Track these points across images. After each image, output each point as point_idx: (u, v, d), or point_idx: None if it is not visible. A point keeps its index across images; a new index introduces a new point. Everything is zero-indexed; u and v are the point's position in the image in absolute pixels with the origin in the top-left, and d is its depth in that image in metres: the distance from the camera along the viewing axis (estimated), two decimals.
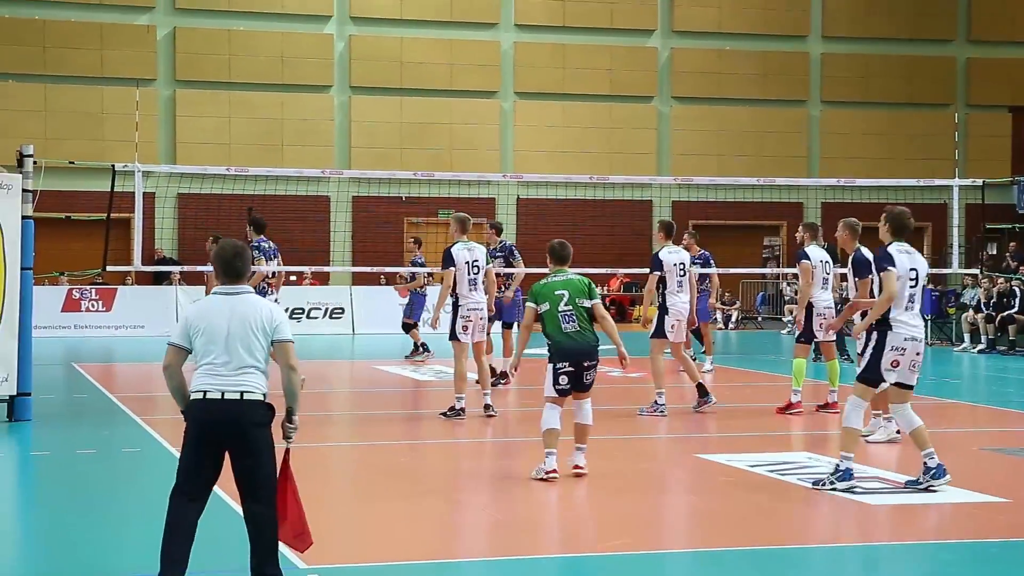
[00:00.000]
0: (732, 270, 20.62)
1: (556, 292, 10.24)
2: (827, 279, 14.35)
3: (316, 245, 29.17)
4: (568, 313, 10.17)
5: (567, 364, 10.15)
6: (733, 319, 31.78)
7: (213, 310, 6.61)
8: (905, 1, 35.21)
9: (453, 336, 13.52)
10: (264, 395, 6.55)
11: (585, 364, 10.18)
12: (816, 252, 14.39)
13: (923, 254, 36.55)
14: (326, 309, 27.51)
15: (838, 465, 9.68)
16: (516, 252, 16.72)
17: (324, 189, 31.07)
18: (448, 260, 13.57)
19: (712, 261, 18.95)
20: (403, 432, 13.51)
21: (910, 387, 9.77)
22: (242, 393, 6.48)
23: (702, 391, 14.19)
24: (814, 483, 9.77)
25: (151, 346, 15.11)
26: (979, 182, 19.17)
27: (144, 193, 16.39)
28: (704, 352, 18.78)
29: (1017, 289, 24.70)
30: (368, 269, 21.84)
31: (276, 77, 32.04)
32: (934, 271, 27.94)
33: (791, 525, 9.00)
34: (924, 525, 8.95)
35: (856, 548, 8.33)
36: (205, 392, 6.50)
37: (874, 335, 9.66)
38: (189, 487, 6.58)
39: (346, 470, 11.39)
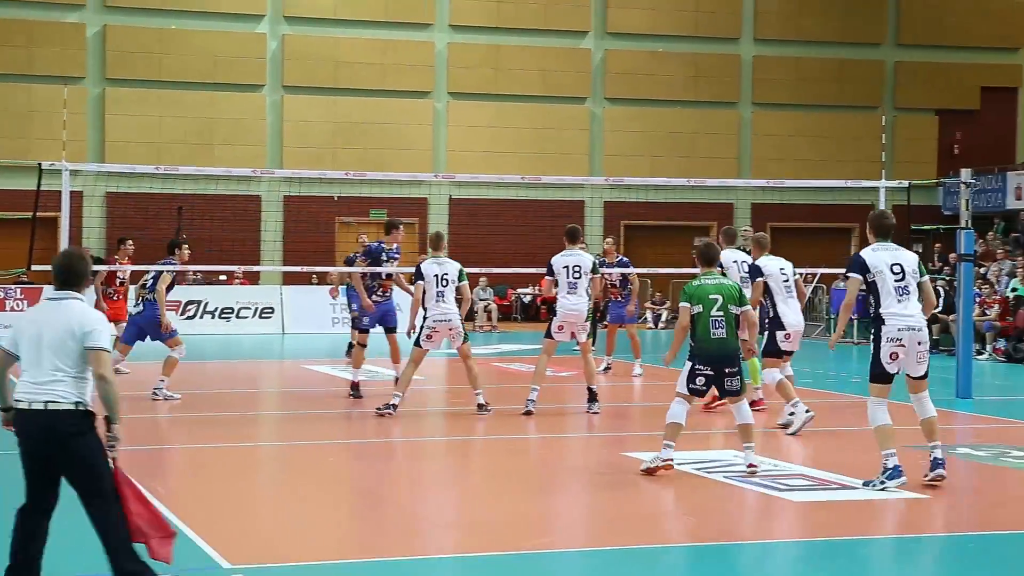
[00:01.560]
0: (662, 270, 20.71)
1: (710, 296, 10.39)
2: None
3: (246, 245, 28.98)
4: (719, 319, 10.35)
5: (708, 368, 10.34)
6: (663, 319, 31.99)
7: (35, 316, 6.51)
8: (835, 5, 35.60)
9: (417, 343, 14.00)
10: (76, 403, 6.34)
11: (726, 370, 10.37)
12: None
13: (850, 254, 36.68)
14: (256, 309, 27.36)
15: (885, 464, 9.77)
16: (388, 254, 16.27)
17: (255, 188, 30.89)
18: (418, 274, 14.15)
19: (629, 265, 19.03)
20: (332, 432, 13.48)
21: (920, 377, 9.97)
22: (47, 403, 6.31)
23: (592, 395, 14.24)
24: (865, 483, 9.86)
25: None
26: (905, 184, 19.40)
27: (71, 192, 16.18)
28: (633, 355, 18.88)
29: (942, 289, 25.05)
30: (299, 269, 21.68)
31: (208, 76, 31.81)
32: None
33: (715, 522, 9.09)
34: (844, 521, 9.06)
35: (775, 544, 8.43)
36: (18, 402, 6.40)
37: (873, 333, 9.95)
38: (28, 498, 6.46)
39: (273, 470, 11.35)
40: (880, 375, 9.92)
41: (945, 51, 36.07)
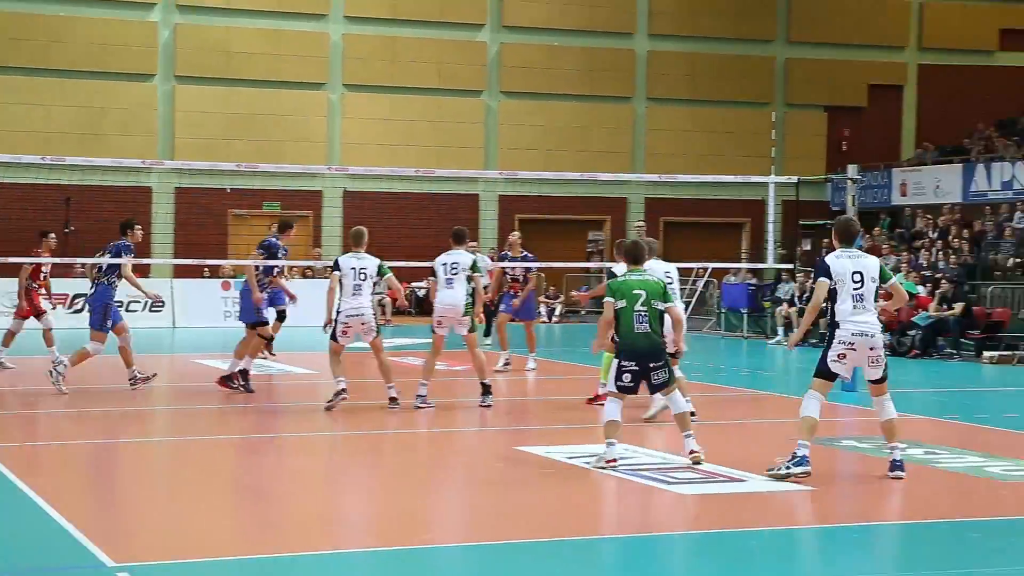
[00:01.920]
0: (557, 264, 20.83)
1: (634, 291, 10.49)
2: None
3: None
4: (643, 314, 10.43)
5: (633, 363, 10.44)
6: (557, 312, 32.13)
7: None
8: (728, 2, 36.01)
9: (333, 337, 14.07)
10: None
11: (651, 365, 10.47)
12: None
13: (742, 249, 37.20)
14: (146, 302, 26.93)
15: (795, 452, 10.02)
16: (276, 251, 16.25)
17: (146, 180, 30.45)
18: (335, 266, 14.23)
19: (534, 260, 19.11)
20: (221, 428, 13.35)
21: (878, 380, 10.27)
22: None
23: (485, 389, 14.26)
24: (768, 469, 10.11)
25: None
26: (794, 179, 19.70)
27: None
28: (528, 349, 18.94)
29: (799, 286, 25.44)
30: (191, 261, 21.46)
31: (98, 65, 31.26)
32: (751, 266, 28.76)
33: (604, 515, 9.16)
34: (732, 513, 9.19)
35: (665, 537, 8.51)
36: None
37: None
38: None
39: (159, 466, 11.21)
40: (824, 372, 10.25)
41: (834, 48, 36.68)
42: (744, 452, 10.78)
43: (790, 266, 26.70)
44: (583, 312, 32.64)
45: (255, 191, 31.00)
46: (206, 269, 28.68)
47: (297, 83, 32.67)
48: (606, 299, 10.70)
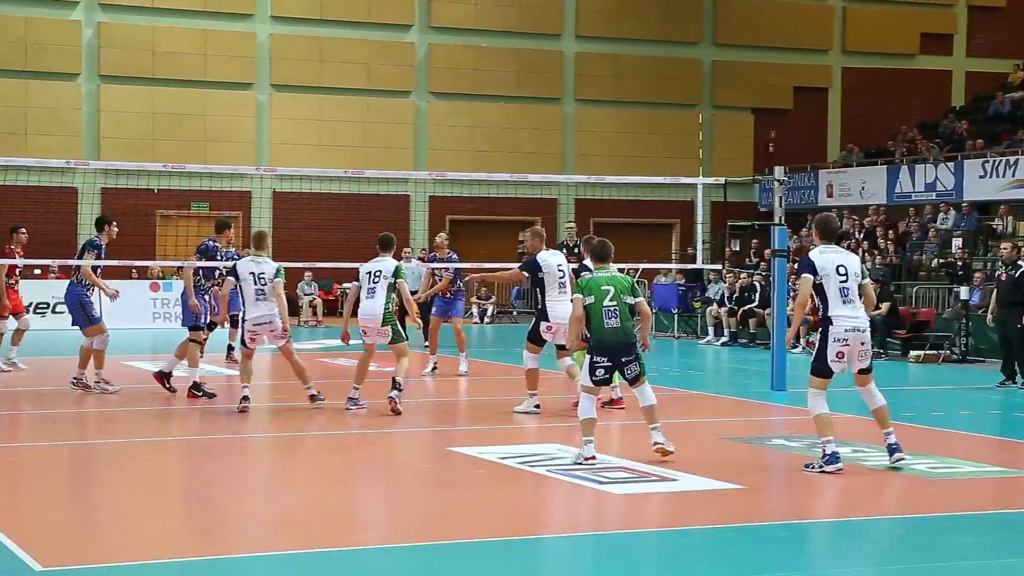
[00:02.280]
0: (487, 264, 20.81)
1: (603, 287, 10.66)
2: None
3: (62, 238, 28.15)
4: (612, 309, 10.58)
5: (605, 358, 10.64)
6: (489, 313, 32.15)
7: None
8: (655, 4, 36.21)
9: (242, 343, 14.25)
10: None
11: (623, 359, 10.66)
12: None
13: (671, 250, 37.46)
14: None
15: (824, 450, 10.29)
16: (225, 254, 16.22)
17: (71, 180, 30.05)
18: (232, 272, 14.19)
19: (458, 261, 19.12)
20: (151, 430, 13.22)
21: (865, 371, 10.55)
22: None
23: (395, 385, 14.02)
24: (805, 466, 10.44)
25: None
26: (722, 180, 19.84)
27: None
28: (458, 350, 18.93)
29: (758, 284, 25.73)
30: (117, 263, 21.08)
31: (19, 63, 30.82)
32: (681, 267, 28.96)
33: (536, 515, 9.17)
34: (663, 512, 9.24)
35: (596, 536, 8.53)
36: None
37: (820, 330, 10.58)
38: None
39: (88, 469, 11.07)
40: (822, 370, 10.52)
41: (760, 51, 37.01)
42: (677, 451, 10.83)
43: (719, 267, 26.93)
44: (515, 313, 32.70)
45: (183, 192, 30.73)
46: (134, 271, 28.37)
47: (224, 83, 32.42)
48: (574, 295, 10.87)
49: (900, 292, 24.82)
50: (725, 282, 26.54)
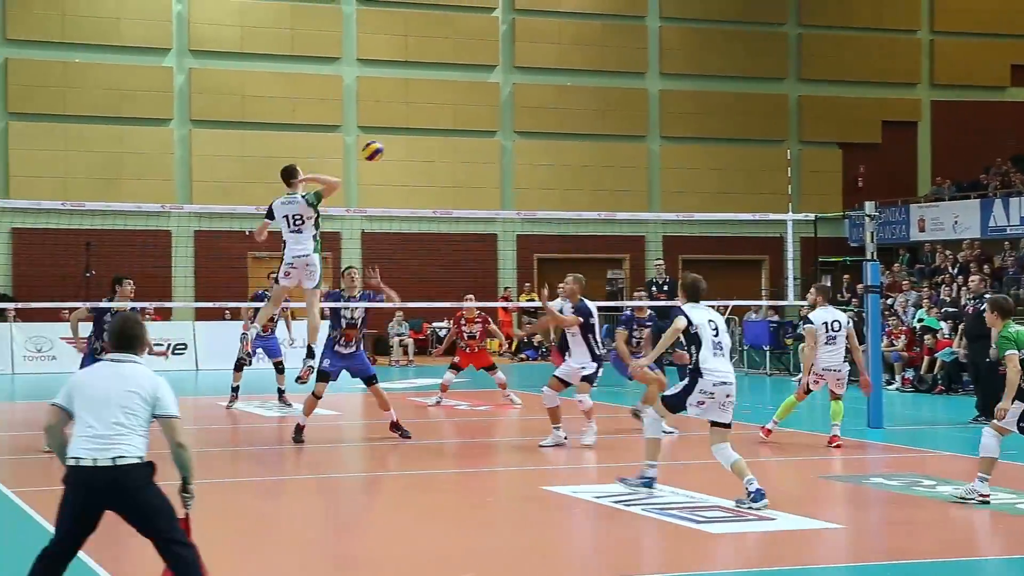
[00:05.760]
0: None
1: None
2: (834, 337, 14.86)
3: (157, 280, 28.56)
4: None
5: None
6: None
7: (96, 375, 6.64)
8: (739, 40, 36.11)
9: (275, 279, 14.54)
10: (140, 457, 6.47)
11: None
12: (820, 315, 14.98)
13: (761, 287, 36.92)
14: (168, 345, 27.02)
15: (642, 472, 10.95)
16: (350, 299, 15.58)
17: (165, 223, 30.53)
18: (268, 214, 14.42)
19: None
20: (248, 470, 13.33)
21: (725, 425, 10.63)
22: (115, 459, 6.41)
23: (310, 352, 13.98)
24: (622, 482, 11.08)
25: None
26: (812, 216, 19.67)
27: None
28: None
29: (850, 320, 25.38)
30: (211, 304, 21.48)
31: (114, 110, 31.44)
32: (772, 303, 28.72)
33: (633, 555, 9.11)
34: (760, 552, 9.14)
35: None
36: (78, 459, 6.43)
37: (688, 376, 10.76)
38: (59, 548, 6.50)
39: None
40: (677, 406, 10.74)
41: (846, 86, 36.75)
42: (774, 490, 10.71)
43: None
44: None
45: (273, 233, 31.06)
46: (227, 312, 28.72)
47: (312, 125, 32.80)
48: (1009, 353, 10.56)
49: None
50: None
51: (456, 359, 19.83)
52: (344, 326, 14.88)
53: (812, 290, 15.71)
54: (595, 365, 14.32)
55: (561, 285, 14.73)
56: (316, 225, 13.84)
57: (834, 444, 14.33)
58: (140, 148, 31.50)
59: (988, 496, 10.47)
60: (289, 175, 14.09)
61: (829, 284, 30.13)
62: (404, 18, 33.59)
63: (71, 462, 6.44)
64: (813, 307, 15.40)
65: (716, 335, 10.67)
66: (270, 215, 14.08)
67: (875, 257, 17.29)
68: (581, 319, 14.33)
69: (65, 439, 6.59)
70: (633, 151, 35.20)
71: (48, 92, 30.99)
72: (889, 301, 26.19)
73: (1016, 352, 10.54)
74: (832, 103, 36.53)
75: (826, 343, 14.91)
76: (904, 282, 28.36)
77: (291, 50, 32.78)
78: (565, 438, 14.21)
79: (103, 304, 14.66)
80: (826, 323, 15.03)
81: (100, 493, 6.39)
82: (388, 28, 33.50)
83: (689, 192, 34.49)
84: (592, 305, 14.58)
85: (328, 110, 33.02)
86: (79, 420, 6.49)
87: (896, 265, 31.00)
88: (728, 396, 10.55)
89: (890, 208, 33.08)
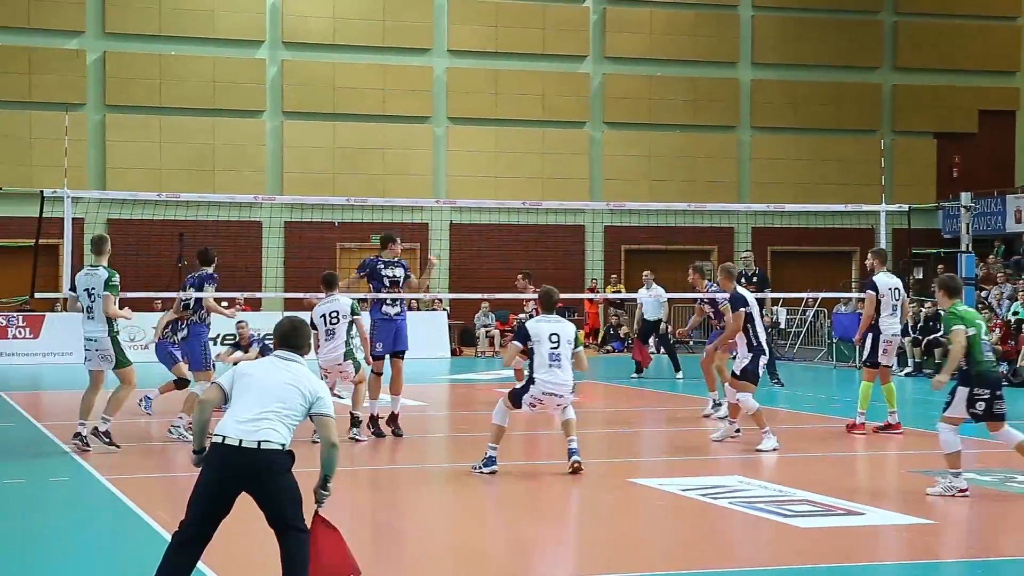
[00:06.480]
0: (668, 295, 20.80)
1: (977, 320, 10.62)
2: (896, 305, 14.72)
3: (248, 271, 28.99)
4: (987, 343, 10.65)
5: (986, 391, 10.52)
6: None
7: (262, 367, 6.91)
8: (832, 29, 35.71)
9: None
10: (283, 445, 6.67)
11: (998, 394, 10.59)
12: (884, 279, 14.72)
13: (851, 278, 36.58)
14: (259, 334, 27.31)
15: (487, 453, 11.57)
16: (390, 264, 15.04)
17: (256, 215, 30.91)
18: (311, 324, 13.71)
19: None
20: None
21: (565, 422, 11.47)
22: (259, 442, 6.60)
23: (354, 421, 14.05)
24: (473, 466, 11.66)
25: (79, 373, 14.89)
26: (905, 207, 19.42)
27: (73, 219, 16.16)
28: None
29: (943, 312, 25.01)
30: (301, 295, 21.61)
31: (207, 102, 31.88)
32: (861, 296, 28.32)
33: (720, 548, 9.07)
34: (849, 547, 9.05)
35: (779, 571, 8.39)
36: (224, 437, 6.62)
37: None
38: (193, 532, 6.66)
39: None
40: (516, 403, 11.65)
41: (942, 74, 36.19)
42: (862, 484, 10.60)
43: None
44: (691, 344, 32.44)
45: (363, 224, 31.31)
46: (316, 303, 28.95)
47: (402, 117, 32.98)
48: (954, 327, 10.52)
49: None
50: (909, 311, 25.90)
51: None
52: (388, 284, 14.65)
53: (869, 254, 15.24)
54: (750, 356, 13.49)
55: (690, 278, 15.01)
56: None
57: (865, 430, 14.30)
58: (233, 140, 31.90)
59: (967, 490, 10.35)
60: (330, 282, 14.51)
61: (921, 275, 29.73)
62: (495, 8, 33.65)
63: (216, 439, 6.63)
64: (872, 271, 14.93)
65: (555, 347, 11.35)
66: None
67: (970, 249, 17.03)
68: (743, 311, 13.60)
69: (210, 417, 6.84)
70: (723, 142, 34.96)
71: (144, 85, 31.50)
72: (983, 294, 25.76)
73: (963, 328, 10.43)
74: (927, 92, 35.99)
75: (892, 312, 14.57)
76: (999, 274, 27.87)
77: (382, 41, 32.98)
78: (737, 431, 13.83)
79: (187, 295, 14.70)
80: (891, 288, 14.68)
81: (239, 473, 6.58)
82: (478, 19, 33.59)
83: (780, 183, 34.19)
84: (747, 294, 13.90)
85: (418, 101, 33.18)
86: (235, 404, 6.72)
87: (991, 257, 30.50)
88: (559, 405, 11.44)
89: (986, 199, 32.52)
